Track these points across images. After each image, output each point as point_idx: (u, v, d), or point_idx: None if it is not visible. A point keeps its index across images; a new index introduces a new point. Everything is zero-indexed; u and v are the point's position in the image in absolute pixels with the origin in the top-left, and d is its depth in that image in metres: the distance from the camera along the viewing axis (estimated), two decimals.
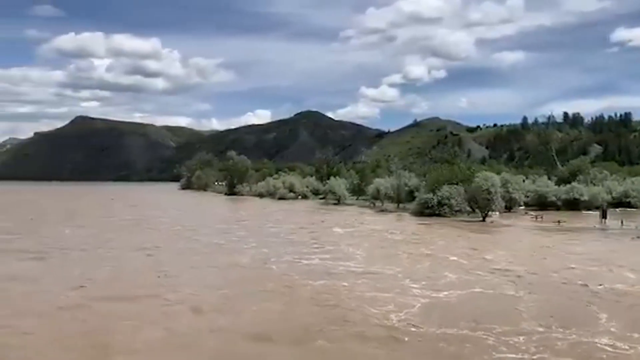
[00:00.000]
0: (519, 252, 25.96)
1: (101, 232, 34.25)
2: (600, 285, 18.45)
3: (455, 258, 24.34)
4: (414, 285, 18.47)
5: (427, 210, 46.65)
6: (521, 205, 52.49)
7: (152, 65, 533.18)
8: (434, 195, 46.90)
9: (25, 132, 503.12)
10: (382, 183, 59.97)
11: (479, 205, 43.75)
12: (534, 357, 11.59)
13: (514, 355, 11.72)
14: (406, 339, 12.92)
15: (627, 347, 11.82)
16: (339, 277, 20.12)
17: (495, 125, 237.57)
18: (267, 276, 20.56)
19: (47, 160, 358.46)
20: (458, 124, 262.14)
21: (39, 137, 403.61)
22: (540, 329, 13.28)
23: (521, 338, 12.55)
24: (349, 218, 47.66)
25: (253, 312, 15.27)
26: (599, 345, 12.12)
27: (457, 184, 47.21)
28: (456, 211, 45.80)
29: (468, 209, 45.89)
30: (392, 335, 13.08)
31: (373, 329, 13.56)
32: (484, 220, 42.28)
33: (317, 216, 50.54)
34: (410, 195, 54.79)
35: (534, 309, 15.30)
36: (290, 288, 18.37)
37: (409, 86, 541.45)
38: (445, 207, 45.95)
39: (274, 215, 51.64)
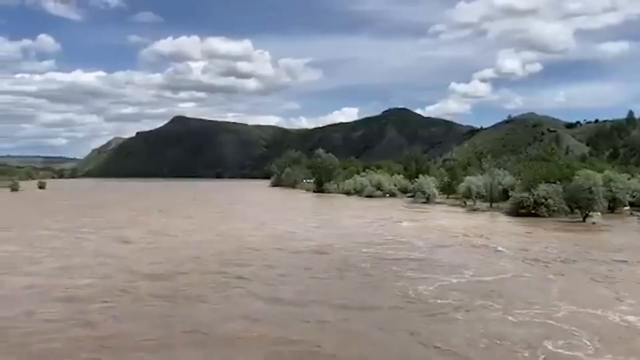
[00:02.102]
0: (599, 253, 25.01)
1: (211, 222, 38.00)
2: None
3: (522, 252, 24.54)
4: (464, 271, 19.29)
5: (522, 210, 44.94)
6: (626, 206, 49.29)
7: (244, 66, 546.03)
8: (529, 194, 45.14)
9: (129, 132, 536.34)
10: (474, 181, 58.27)
11: (579, 205, 41.57)
12: (518, 320, 12.95)
13: (505, 316, 13.16)
14: (418, 305, 14.66)
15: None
16: (393, 262, 21.40)
17: (596, 120, 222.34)
18: (326, 259, 22.30)
19: (147, 158, 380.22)
20: (555, 119, 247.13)
21: (140, 136, 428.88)
22: (556, 307, 14.15)
23: (524, 310, 13.68)
24: (432, 215, 47.33)
25: (299, 283, 17.74)
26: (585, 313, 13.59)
27: (555, 182, 45.11)
28: (554, 211, 43.77)
29: (566, 209, 43.69)
30: (405, 302, 14.95)
31: (394, 298, 15.47)
32: (584, 220, 40.14)
33: (398, 213, 50.47)
34: (504, 194, 52.92)
35: (561, 293, 16.02)
36: (340, 269, 20.19)
37: (501, 81, 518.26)
38: (542, 206, 44.07)
39: (353, 211, 52.79)
